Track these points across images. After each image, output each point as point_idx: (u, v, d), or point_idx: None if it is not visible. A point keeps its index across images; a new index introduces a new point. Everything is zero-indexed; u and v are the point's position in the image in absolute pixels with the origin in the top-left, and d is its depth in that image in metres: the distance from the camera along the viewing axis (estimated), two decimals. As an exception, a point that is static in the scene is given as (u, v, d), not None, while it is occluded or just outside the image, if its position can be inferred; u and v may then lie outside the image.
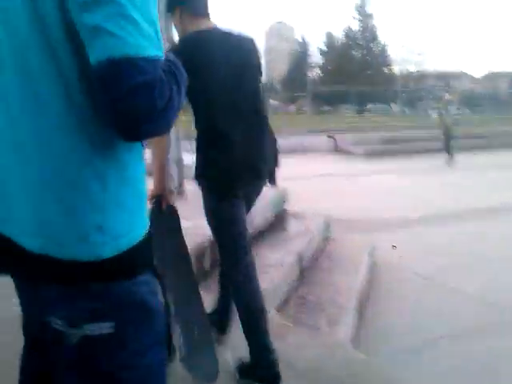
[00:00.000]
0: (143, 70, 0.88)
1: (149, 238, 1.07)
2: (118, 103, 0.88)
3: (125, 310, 1.03)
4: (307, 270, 5.28)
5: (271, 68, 69.35)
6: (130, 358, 1.05)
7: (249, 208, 2.82)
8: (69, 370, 1.04)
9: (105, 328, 1.01)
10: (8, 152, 0.97)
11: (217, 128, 2.43)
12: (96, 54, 0.88)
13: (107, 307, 1.02)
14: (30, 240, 0.99)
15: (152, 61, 0.90)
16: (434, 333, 4.38)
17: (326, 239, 6.44)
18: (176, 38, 2.71)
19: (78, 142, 0.96)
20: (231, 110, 2.36)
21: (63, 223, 0.97)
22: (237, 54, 2.45)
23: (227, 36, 2.50)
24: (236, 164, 2.48)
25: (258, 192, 2.87)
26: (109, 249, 0.98)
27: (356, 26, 58.56)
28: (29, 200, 0.98)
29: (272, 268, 4.68)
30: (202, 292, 3.34)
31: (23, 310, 1.18)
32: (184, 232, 4.44)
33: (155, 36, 0.92)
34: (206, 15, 2.53)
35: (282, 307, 4.37)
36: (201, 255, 4.22)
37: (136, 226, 1.05)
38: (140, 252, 1.04)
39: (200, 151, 2.54)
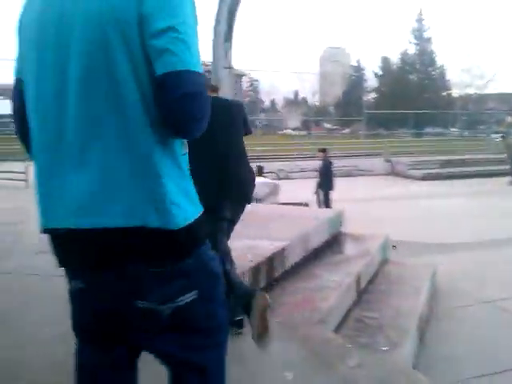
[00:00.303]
0: (194, 81, 1.20)
1: (202, 214, 1.32)
2: (174, 104, 1.19)
3: (202, 278, 1.31)
4: (365, 291, 5.16)
5: (325, 92, 69.48)
6: (208, 315, 1.34)
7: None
8: (161, 333, 1.28)
9: (191, 297, 1.28)
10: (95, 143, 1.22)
11: None
12: (161, 67, 1.18)
13: (191, 281, 1.29)
14: (126, 220, 1.21)
15: (200, 76, 1.22)
16: (499, 362, 4.14)
17: (385, 261, 6.29)
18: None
19: (154, 138, 1.23)
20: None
21: (150, 202, 1.21)
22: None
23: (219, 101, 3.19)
24: None
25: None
26: (182, 219, 1.23)
27: (412, 50, 58.08)
28: (120, 187, 1.21)
29: (329, 289, 4.61)
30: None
31: (95, 301, 1.32)
32: (240, 252, 4.52)
33: (199, 59, 1.23)
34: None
35: (339, 328, 4.28)
36: (257, 274, 4.23)
37: (195, 204, 1.30)
38: (200, 225, 1.29)
39: None
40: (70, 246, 1.30)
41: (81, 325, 1.41)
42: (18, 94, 1.37)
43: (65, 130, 1.24)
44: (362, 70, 64.18)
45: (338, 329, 4.23)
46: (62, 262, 1.35)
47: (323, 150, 12.85)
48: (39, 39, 1.27)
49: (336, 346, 3.42)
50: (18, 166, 9.61)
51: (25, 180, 9.21)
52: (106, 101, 1.20)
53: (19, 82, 1.37)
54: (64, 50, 1.23)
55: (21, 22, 1.36)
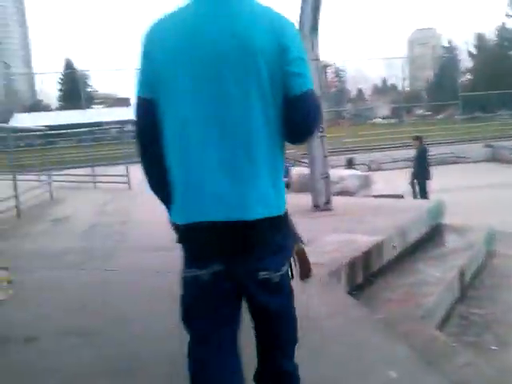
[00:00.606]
0: (316, 97, 1.56)
1: None
2: (307, 118, 1.53)
3: (289, 251, 1.77)
4: (470, 286, 4.90)
5: (415, 77, 66.52)
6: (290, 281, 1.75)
7: None
8: (270, 295, 1.62)
9: (286, 267, 1.68)
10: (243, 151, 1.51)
11: None
12: (298, 87, 1.50)
13: (286, 254, 1.71)
14: (259, 210, 1.51)
15: (315, 92, 1.56)
16: None
17: (491, 254, 5.91)
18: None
19: (273, 142, 1.55)
20: None
21: (274, 194, 1.55)
22: None
23: None
24: None
25: None
26: (283, 208, 1.60)
27: (511, 24, 53.78)
28: (258, 184, 1.52)
29: (431, 284, 4.43)
30: (357, 304, 3.31)
31: (228, 273, 1.57)
32: (336, 246, 4.48)
33: None
34: None
35: (443, 326, 4.10)
36: (354, 269, 4.17)
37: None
38: (287, 214, 1.65)
39: None
40: (213, 236, 1.53)
41: (200, 307, 1.63)
42: (150, 113, 1.54)
43: (220, 143, 1.49)
44: (455, 50, 60.53)
45: (441, 326, 4.05)
46: (199, 252, 1.58)
47: (418, 138, 12.31)
48: (192, 67, 1.48)
49: (441, 345, 3.27)
50: (120, 170, 10.22)
51: (127, 183, 9.75)
52: (262, 118, 1.50)
53: (151, 102, 1.53)
54: (219, 78, 1.47)
55: (155, 48, 1.52)
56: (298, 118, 1.52)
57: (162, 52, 1.50)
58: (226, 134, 1.50)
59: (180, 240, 1.61)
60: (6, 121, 32.41)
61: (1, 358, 2.74)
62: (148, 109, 1.54)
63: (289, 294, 1.75)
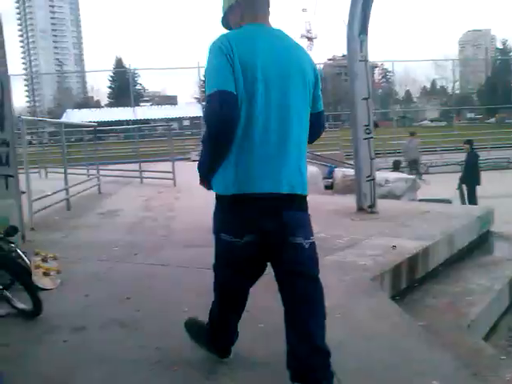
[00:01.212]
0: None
1: None
2: (323, 127, 2.37)
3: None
4: (519, 297, 4.71)
5: (466, 80, 64.54)
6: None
7: None
8: (299, 259, 2.10)
9: (313, 238, 2.15)
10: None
11: None
12: (319, 106, 2.26)
13: (311, 228, 2.15)
14: (287, 187, 2.02)
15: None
16: None
17: (542, 265, 5.66)
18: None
19: (305, 139, 2.17)
20: None
21: (301, 177, 2.08)
22: None
23: None
24: None
25: None
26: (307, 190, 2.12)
27: None
28: (293, 167, 2.06)
29: (477, 293, 4.29)
30: (400, 310, 3.23)
31: (263, 236, 2.03)
32: (380, 250, 4.40)
33: None
34: None
35: (489, 337, 3.97)
36: (398, 274, 4.08)
37: None
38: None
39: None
40: (264, 206, 2.00)
41: (242, 262, 2.17)
42: (236, 105, 1.95)
43: (286, 134, 2.04)
44: (510, 52, 58.29)
45: (487, 337, 3.93)
46: (246, 220, 2.03)
47: (469, 142, 11.95)
48: (266, 77, 1.99)
49: (488, 357, 3.17)
50: (166, 166, 10.40)
51: (172, 179, 9.91)
52: (306, 123, 2.16)
53: (236, 96, 1.94)
54: (284, 87, 2.03)
55: (240, 58, 1.96)
56: (319, 126, 2.31)
57: (252, 61, 1.97)
58: (283, 133, 2.04)
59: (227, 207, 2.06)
60: (59, 116, 33.64)
61: (49, 346, 2.84)
62: (235, 101, 1.93)
63: (317, 263, 2.22)
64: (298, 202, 2.05)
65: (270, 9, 2.23)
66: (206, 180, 2.16)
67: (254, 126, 1.98)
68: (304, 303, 2.12)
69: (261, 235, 2.01)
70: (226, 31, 2.18)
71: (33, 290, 3.16)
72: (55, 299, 3.53)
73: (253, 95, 1.96)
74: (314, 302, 2.17)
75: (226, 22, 2.31)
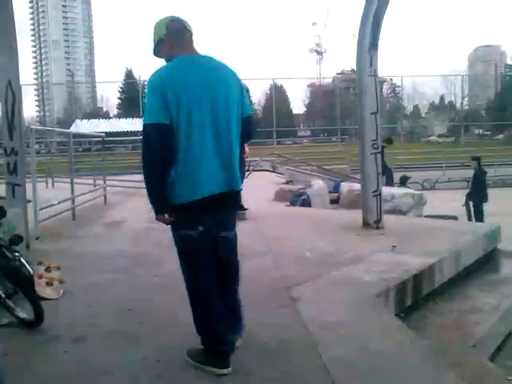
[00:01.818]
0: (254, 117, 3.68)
1: None
2: (253, 128, 2.94)
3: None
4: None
5: (475, 96, 64.43)
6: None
7: None
8: (229, 246, 2.80)
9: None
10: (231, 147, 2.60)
11: None
12: (247, 111, 2.71)
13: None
14: (225, 186, 2.57)
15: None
16: None
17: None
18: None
19: (237, 144, 2.63)
20: None
21: (235, 175, 2.60)
22: None
23: None
24: None
25: None
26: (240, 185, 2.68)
27: None
28: (233, 170, 2.60)
29: (484, 312, 4.24)
30: (405, 327, 3.19)
31: (205, 231, 2.59)
32: (386, 266, 4.36)
33: None
34: None
35: (496, 357, 3.90)
36: (403, 291, 4.04)
37: None
38: None
39: None
40: (215, 203, 2.54)
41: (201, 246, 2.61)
42: (170, 134, 2.42)
43: (219, 142, 2.53)
44: (519, 68, 58.19)
45: (494, 357, 3.86)
46: (202, 216, 2.56)
47: (476, 158, 11.89)
48: (198, 99, 2.45)
49: (494, 377, 3.12)
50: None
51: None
52: (237, 127, 2.63)
53: (170, 126, 2.41)
54: (214, 105, 2.50)
55: (167, 84, 2.41)
56: (250, 127, 2.76)
57: (184, 88, 2.43)
58: (217, 143, 2.53)
59: (182, 212, 2.51)
60: (68, 126, 33.89)
61: (49, 356, 2.83)
62: (170, 131, 2.42)
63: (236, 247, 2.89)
64: (234, 197, 2.67)
65: (194, 36, 2.71)
66: (162, 212, 2.55)
67: (193, 142, 2.45)
68: (232, 278, 2.86)
69: (206, 227, 2.58)
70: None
71: (35, 300, 3.15)
72: (57, 309, 3.52)
73: (190, 117, 2.42)
74: (237, 278, 2.92)
75: (156, 53, 2.73)
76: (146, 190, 2.55)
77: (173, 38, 2.63)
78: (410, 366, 2.67)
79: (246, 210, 6.98)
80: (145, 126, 2.44)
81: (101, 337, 3.07)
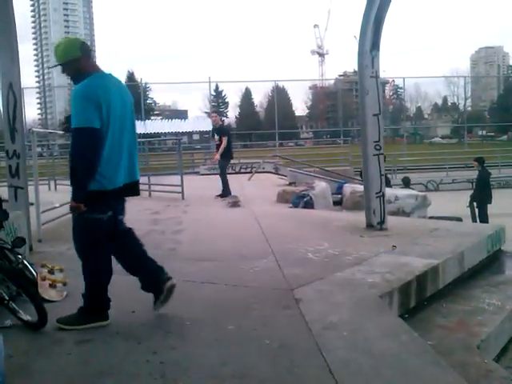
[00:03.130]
0: None
1: None
2: None
3: None
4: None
5: (478, 97, 64.42)
6: None
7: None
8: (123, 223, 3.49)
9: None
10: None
11: None
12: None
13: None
14: (129, 178, 3.27)
15: None
16: None
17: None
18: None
19: (136, 146, 3.40)
20: None
21: (135, 169, 3.34)
22: None
23: None
24: None
25: None
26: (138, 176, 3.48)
27: None
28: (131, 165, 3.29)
29: (488, 313, 4.22)
30: (409, 328, 3.17)
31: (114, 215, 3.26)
32: (389, 267, 4.35)
33: None
34: None
35: (501, 358, 3.89)
36: (406, 292, 4.02)
37: None
38: None
39: None
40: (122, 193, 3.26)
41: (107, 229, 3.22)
42: (100, 135, 3.02)
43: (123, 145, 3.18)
44: (522, 69, 58.14)
45: (498, 358, 3.85)
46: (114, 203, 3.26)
47: (480, 160, 11.86)
48: (114, 110, 3.08)
49: (498, 378, 3.10)
50: (174, 180, 10.43)
51: (181, 192, 9.92)
52: (135, 133, 3.36)
53: (99, 130, 3.01)
54: (124, 114, 3.19)
55: (100, 96, 3.01)
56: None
57: (109, 100, 3.05)
58: (124, 145, 3.18)
59: (101, 199, 3.10)
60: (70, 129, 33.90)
61: (52, 358, 2.82)
62: (100, 133, 3.01)
63: None
64: (136, 185, 3.41)
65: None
66: (81, 200, 3.01)
67: (115, 142, 3.09)
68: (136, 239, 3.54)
69: (114, 212, 3.23)
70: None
71: (38, 302, 3.15)
72: (61, 311, 3.50)
73: (114, 123, 3.07)
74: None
75: (67, 71, 3.19)
76: (72, 181, 3.04)
77: (86, 58, 3.18)
78: (413, 367, 2.66)
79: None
80: (81, 128, 2.98)
81: (104, 339, 3.06)
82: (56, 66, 3.24)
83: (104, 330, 3.19)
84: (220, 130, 10.63)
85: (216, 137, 10.47)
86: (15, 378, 2.44)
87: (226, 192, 10.08)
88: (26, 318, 3.21)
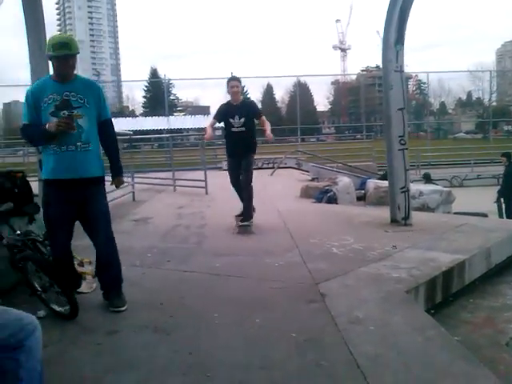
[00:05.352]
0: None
1: None
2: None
3: None
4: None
5: (504, 91, 62.97)
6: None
7: None
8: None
9: None
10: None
11: None
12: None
13: None
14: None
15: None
16: None
17: None
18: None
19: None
20: None
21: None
22: None
23: None
24: None
25: None
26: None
27: None
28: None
29: (516, 309, 4.16)
30: (436, 323, 3.15)
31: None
32: (415, 263, 4.32)
33: None
34: None
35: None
36: (433, 287, 4.00)
37: None
38: None
39: None
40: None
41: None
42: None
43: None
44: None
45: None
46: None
47: (507, 155, 11.63)
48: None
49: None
50: (198, 175, 10.51)
51: (204, 187, 10.00)
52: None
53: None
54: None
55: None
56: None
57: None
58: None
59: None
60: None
61: (84, 348, 2.90)
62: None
63: None
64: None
65: None
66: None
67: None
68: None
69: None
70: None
71: (70, 294, 3.23)
72: (90, 303, 3.60)
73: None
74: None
75: (74, 62, 3.42)
76: (119, 159, 3.77)
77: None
78: (442, 362, 2.64)
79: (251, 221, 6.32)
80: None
81: (133, 330, 3.13)
82: (78, 53, 3.45)
83: (133, 321, 3.26)
84: (248, 107, 6.45)
85: (236, 119, 6.29)
86: (51, 366, 2.50)
87: (249, 207, 6.44)
88: (58, 308, 3.30)
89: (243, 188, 6.33)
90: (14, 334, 1.78)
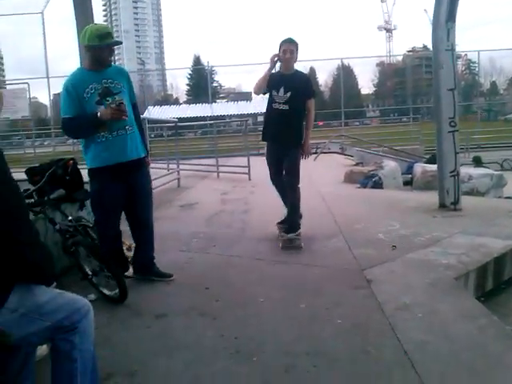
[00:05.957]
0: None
1: None
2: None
3: None
4: None
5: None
6: None
7: None
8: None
9: None
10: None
11: None
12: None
13: None
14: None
15: None
16: None
17: None
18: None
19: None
20: None
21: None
22: None
23: None
24: None
25: None
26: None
27: None
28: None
29: None
30: (487, 311, 3.06)
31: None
32: (465, 249, 4.20)
33: None
34: None
35: None
36: (483, 274, 3.88)
37: None
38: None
39: None
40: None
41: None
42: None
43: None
44: None
45: None
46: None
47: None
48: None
49: None
50: (241, 161, 10.54)
51: (247, 173, 10.02)
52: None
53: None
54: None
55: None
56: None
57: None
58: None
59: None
60: (141, 113, 35.08)
61: (133, 331, 2.98)
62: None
63: None
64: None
65: None
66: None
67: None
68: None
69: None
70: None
71: (119, 278, 3.32)
72: (139, 287, 3.69)
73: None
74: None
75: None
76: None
77: None
78: (493, 352, 2.56)
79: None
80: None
81: (180, 313, 3.19)
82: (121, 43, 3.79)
83: (180, 305, 3.33)
84: (300, 81, 4.80)
85: (280, 92, 4.70)
86: (101, 348, 2.59)
87: (295, 215, 4.92)
88: (108, 292, 3.41)
89: (288, 192, 4.88)
90: (69, 316, 1.84)
